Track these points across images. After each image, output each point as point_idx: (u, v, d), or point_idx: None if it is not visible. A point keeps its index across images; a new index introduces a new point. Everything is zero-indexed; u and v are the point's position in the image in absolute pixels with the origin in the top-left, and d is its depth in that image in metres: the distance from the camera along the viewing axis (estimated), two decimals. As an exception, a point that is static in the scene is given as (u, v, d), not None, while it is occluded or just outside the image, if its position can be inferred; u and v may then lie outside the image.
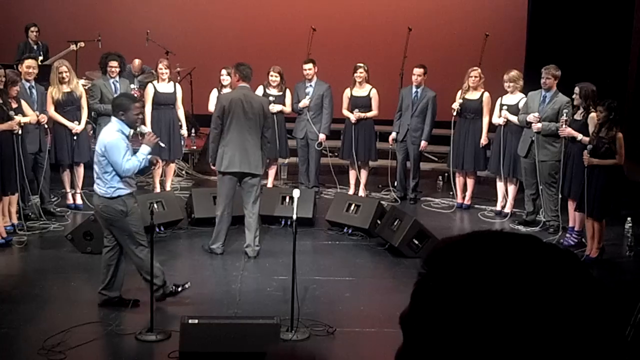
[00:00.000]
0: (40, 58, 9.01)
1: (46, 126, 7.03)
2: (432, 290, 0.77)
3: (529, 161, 7.22)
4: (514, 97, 7.56)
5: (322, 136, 8.26)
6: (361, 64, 8.21)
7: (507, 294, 0.73)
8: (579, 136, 6.47)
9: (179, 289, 5.26)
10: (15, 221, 6.73)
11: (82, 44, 9.05)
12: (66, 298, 5.46)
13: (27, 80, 7.00)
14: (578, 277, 0.75)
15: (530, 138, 7.13)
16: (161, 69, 7.89)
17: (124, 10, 10.72)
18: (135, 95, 8.61)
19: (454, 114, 7.84)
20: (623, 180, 6.26)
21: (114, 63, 7.58)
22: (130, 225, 5.05)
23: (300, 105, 8.26)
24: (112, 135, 4.96)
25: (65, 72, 7.24)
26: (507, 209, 7.78)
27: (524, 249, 0.77)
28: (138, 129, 5.28)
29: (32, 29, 9.27)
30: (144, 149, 5.06)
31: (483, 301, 0.73)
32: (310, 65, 8.26)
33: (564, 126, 6.68)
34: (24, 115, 6.53)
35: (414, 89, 8.14)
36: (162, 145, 5.24)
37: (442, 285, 0.76)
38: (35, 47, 9.27)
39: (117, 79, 7.67)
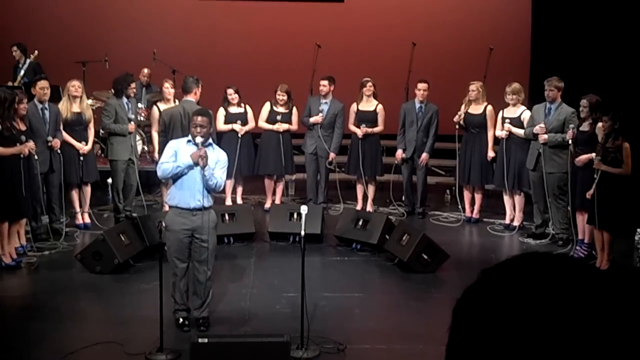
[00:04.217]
0: (22, 73, 9.08)
1: (59, 152, 7.05)
2: (481, 311, 0.74)
3: (537, 174, 7.20)
4: (516, 110, 7.57)
5: (332, 155, 8.28)
6: (368, 79, 8.23)
7: (558, 319, 0.70)
8: (596, 158, 6.34)
9: (184, 327, 5.20)
10: (24, 242, 6.76)
11: (36, 52, 9.13)
12: (76, 318, 5.46)
13: (41, 102, 7.04)
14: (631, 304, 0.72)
15: (537, 150, 7.13)
16: (167, 87, 7.96)
17: (130, 31, 10.82)
18: (142, 114, 8.72)
19: (457, 127, 7.86)
20: (632, 191, 6.23)
21: (134, 84, 7.79)
22: (168, 241, 5.10)
23: (312, 120, 8.27)
24: (173, 140, 5.27)
25: (79, 86, 7.34)
26: (516, 222, 7.75)
27: (579, 275, 0.73)
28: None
29: (13, 48, 9.37)
30: (184, 159, 5.06)
31: (533, 324, 0.70)
32: (325, 82, 8.26)
33: (570, 142, 6.64)
34: (33, 138, 6.53)
35: (417, 104, 8.14)
36: (205, 166, 5.08)
37: (492, 305, 0.73)
38: (20, 66, 9.32)
39: (130, 99, 7.77)
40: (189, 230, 5.06)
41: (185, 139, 5.23)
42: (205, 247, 5.08)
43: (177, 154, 5.11)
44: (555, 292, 0.72)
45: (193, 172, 5.06)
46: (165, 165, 5.11)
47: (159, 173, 5.24)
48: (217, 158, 5.14)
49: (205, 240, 5.08)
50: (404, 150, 8.17)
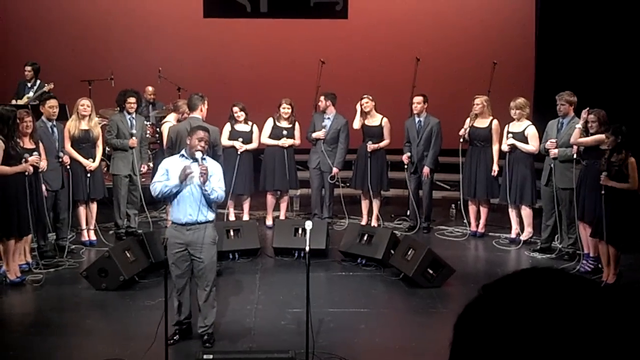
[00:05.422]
0: (30, 95, 9.14)
1: (68, 167, 7.10)
2: (481, 326, 0.74)
3: (548, 189, 7.18)
4: (520, 125, 7.57)
5: (335, 170, 8.29)
6: (364, 95, 8.25)
7: (559, 336, 0.70)
8: (603, 174, 6.25)
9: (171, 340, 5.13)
10: (30, 259, 6.77)
11: (52, 85, 9.15)
12: (82, 335, 5.46)
13: (49, 120, 7.10)
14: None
15: (549, 166, 7.12)
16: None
17: (135, 49, 10.91)
18: (148, 131, 8.77)
19: (461, 140, 7.87)
20: (638, 205, 6.21)
21: (132, 99, 7.78)
22: (169, 256, 5.08)
23: (314, 135, 8.30)
24: (167, 158, 5.29)
25: (88, 105, 7.40)
26: (525, 236, 7.71)
27: (579, 291, 0.74)
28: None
29: (27, 67, 9.44)
30: (174, 180, 5.05)
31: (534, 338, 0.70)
32: (321, 98, 8.34)
33: (575, 155, 6.64)
34: (45, 156, 6.56)
35: (416, 118, 8.17)
36: (205, 182, 5.03)
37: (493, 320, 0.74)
38: (29, 85, 9.39)
39: (134, 115, 7.82)
40: (183, 244, 5.06)
41: (177, 155, 5.23)
42: (200, 262, 5.06)
43: (168, 172, 5.12)
44: (555, 308, 0.72)
45: (185, 187, 5.07)
46: (157, 184, 5.14)
47: (152, 192, 5.25)
48: (212, 171, 5.12)
49: (200, 257, 5.05)
50: (410, 157, 8.15)
